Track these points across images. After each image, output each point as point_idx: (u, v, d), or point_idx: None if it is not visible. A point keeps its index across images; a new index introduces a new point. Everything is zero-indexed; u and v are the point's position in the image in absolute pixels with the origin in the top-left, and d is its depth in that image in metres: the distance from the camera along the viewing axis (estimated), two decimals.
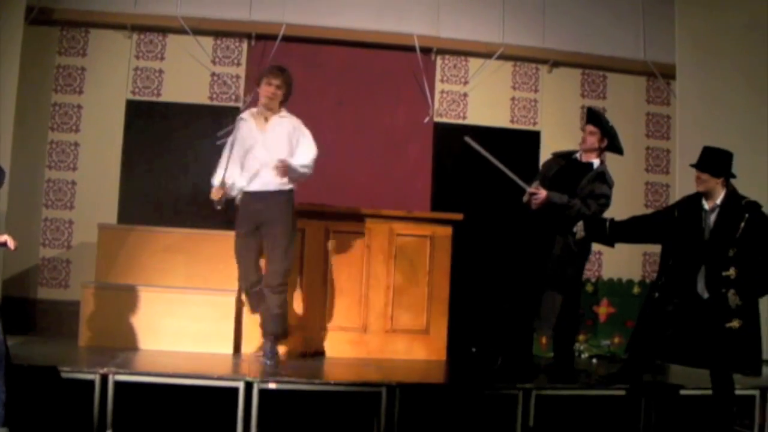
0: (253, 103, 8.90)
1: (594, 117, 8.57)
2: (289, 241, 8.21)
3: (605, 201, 8.25)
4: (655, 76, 11.38)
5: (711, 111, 10.29)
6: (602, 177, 8.31)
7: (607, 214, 8.28)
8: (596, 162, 8.44)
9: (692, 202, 7.49)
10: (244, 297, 8.45)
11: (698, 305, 7.30)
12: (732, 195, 7.30)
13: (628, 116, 11.35)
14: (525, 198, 8.34)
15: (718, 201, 7.29)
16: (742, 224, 7.09)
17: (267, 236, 8.13)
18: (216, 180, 8.02)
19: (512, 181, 8.36)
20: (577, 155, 8.57)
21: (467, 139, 8.55)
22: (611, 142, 8.48)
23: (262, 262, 8.29)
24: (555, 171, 8.55)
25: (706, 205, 7.35)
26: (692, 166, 7.42)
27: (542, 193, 8.21)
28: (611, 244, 8.15)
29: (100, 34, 10.25)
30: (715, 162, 7.31)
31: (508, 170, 8.38)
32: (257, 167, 8.09)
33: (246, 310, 8.69)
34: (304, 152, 8.21)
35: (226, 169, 8.00)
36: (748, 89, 10.39)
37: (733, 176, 7.38)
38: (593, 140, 8.43)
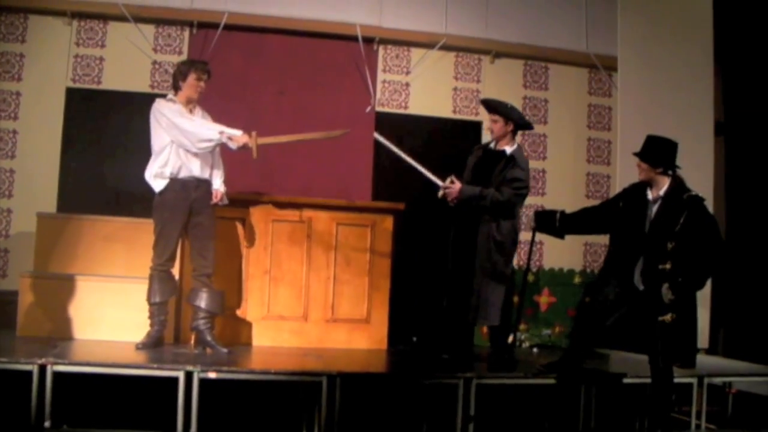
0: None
1: (490, 107, 8.73)
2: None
3: (519, 184, 8.37)
4: (597, 67, 11.46)
5: (652, 103, 10.38)
6: (513, 161, 8.44)
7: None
8: (509, 148, 8.56)
9: (637, 191, 7.52)
10: (153, 278, 8.31)
11: (635, 296, 7.37)
12: (676, 188, 7.32)
13: (570, 107, 11.45)
14: (440, 194, 8.47)
15: (661, 192, 7.32)
16: (682, 219, 7.13)
17: (199, 225, 8.29)
18: (231, 130, 8.16)
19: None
20: (492, 145, 8.66)
21: (376, 135, 8.69)
22: (517, 123, 8.60)
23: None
24: (474, 163, 8.70)
25: (650, 195, 7.39)
26: (634, 154, 7.45)
27: (455, 187, 8.38)
28: (561, 236, 8.21)
29: (39, 20, 10.08)
30: (655, 152, 7.34)
31: (421, 167, 8.58)
32: (192, 154, 8.19)
33: (173, 304, 8.68)
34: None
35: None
36: (689, 81, 10.52)
37: (677, 167, 7.41)
38: (498, 128, 8.58)
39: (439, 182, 8.54)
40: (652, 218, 7.33)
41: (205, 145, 8.08)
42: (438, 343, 9.02)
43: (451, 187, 8.41)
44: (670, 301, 7.09)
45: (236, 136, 8.09)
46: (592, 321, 7.62)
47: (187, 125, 8.07)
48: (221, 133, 8.06)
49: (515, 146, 8.60)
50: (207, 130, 8.10)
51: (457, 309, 8.58)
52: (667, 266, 7.12)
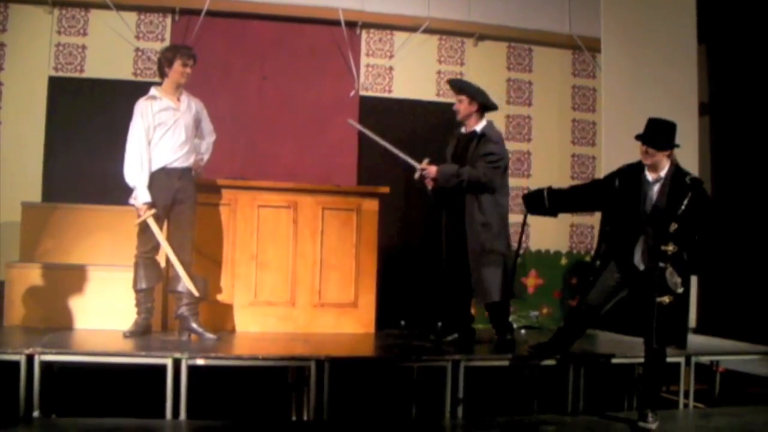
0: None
1: (455, 87, 8.78)
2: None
3: (492, 158, 8.36)
4: (581, 49, 11.46)
5: (636, 83, 10.38)
6: (484, 137, 8.47)
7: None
8: (478, 127, 8.59)
9: (634, 171, 7.45)
10: (138, 266, 8.26)
11: (634, 276, 7.36)
12: (677, 170, 7.29)
13: (554, 89, 11.46)
14: (416, 175, 8.50)
15: (662, 174, 7.27)
16: (686, 201, 7.09)
17: (180, 214, 8.28)
18: (143, 194, 8.01)
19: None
20: (463, 129, 8.67)
21: (350, 121, 8.71)
22: (483, 102, 8.62)
23: None
24: (452, 152, 8.74)
25: (649, 177, 7.31)
26: (637, 138, 7.39)
27: (432, 169, 8.39)
28: (554, 214, 8.12)
29: (20, 9, 10.02)
30: (660, 136, 7.28)
31: (397, 149, 8.60)
32: (178, 144, 8.18)
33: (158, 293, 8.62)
34: (209, 130, 8.64)
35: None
36: (673, 61, 10.52)
37: (677, 146, 7.37)
38: (464, 107, 8.61)
39: (416, 164, 8.53)
40: (653, 200, 7.29)
41: (126, 178, 8.07)
42: (433, 325, 9.10)
43: (428, 168, 8.42)
44: (675, 285, 7.07)
45: (137, 203, 8.04)
46: (593, 306, 7.62)
47: (133, 148, 8.06)
48: (134, 187, 8.03)
49: (484, 123, 8.62)
50: (133, 172, 8.03)
51: (454, 290, 8.62)
52: (670, 248, 7.09)
